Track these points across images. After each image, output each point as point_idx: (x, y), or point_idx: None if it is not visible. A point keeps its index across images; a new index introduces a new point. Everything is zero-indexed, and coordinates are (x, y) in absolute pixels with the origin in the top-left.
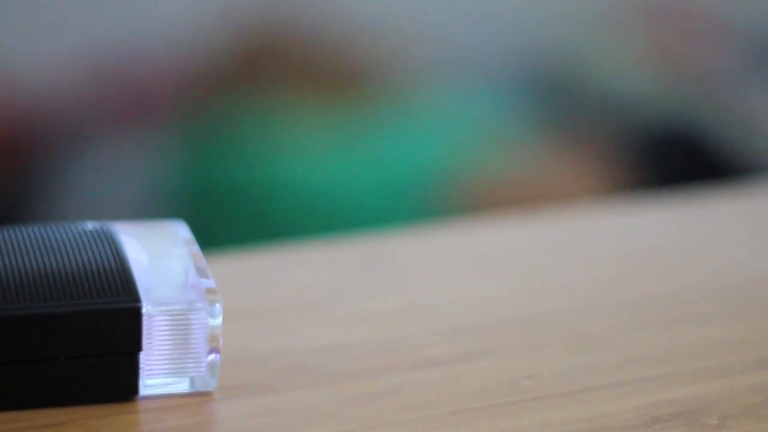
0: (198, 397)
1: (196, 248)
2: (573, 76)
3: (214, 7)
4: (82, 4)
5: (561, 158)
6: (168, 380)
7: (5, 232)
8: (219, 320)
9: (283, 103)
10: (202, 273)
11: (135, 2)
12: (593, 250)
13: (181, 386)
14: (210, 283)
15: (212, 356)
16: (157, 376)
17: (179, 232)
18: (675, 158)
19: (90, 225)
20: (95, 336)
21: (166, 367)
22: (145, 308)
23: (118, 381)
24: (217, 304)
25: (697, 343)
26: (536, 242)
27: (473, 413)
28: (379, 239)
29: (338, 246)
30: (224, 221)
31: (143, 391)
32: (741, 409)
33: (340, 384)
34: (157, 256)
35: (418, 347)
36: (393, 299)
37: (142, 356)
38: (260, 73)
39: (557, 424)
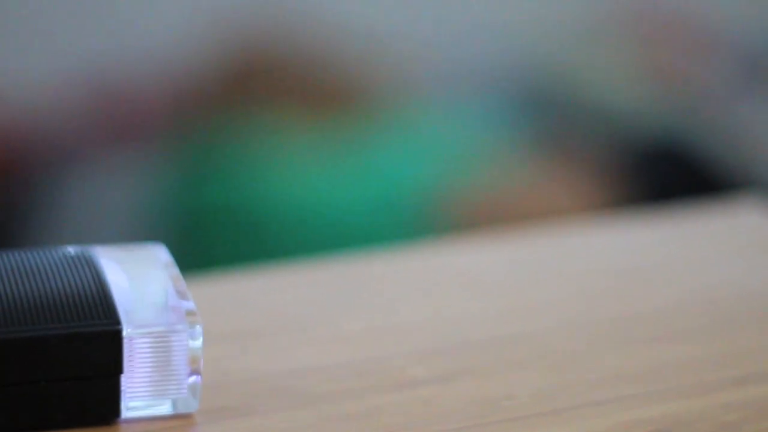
0: (180, 419)
1: (175, 271)
2: (563, 91)
3: (203, 28)
4: (70, 24)
5: (552, 173)
6: (149, 402)
7: None
8: (199, 342)
9: (274, 123)
10: (182, 295)
11: (124, 23)
12: (575, 269)
13: (163, 408)
14: (190, 304)
15: (193, 378)
16: (138, 398)
17: (159, 255)
18: (666, 173)
19: (70, 249)
20: (76, 359)
21: (147, 389)
22: (126, 331)
23: (99, 404)
24: (198, 326)
25: (673, 361)
26: (516, 261)
27: None
28: (357, 260)
29: (318, 267)
30: (216, 240)
31: (125, 413)
32: (717, 427)
33: (320, 405)
34: (137, 279)
35: (397, 368)
36: (371, 320)
37: (124, 379)
38: (250, 92)
39: None
